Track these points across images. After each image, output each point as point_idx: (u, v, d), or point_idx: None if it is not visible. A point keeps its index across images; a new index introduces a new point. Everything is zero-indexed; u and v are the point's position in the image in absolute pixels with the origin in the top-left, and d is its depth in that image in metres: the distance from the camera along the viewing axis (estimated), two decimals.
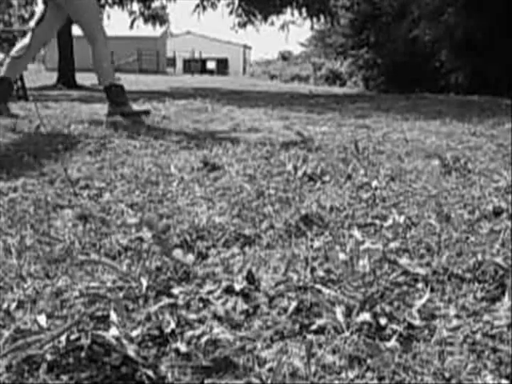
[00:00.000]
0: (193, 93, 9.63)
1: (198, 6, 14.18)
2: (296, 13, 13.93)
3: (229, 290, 1.12)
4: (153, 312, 1.01)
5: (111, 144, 2.97)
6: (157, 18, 16.27)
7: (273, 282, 1.17)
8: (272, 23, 14.66)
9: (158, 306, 1.02)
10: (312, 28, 16.35)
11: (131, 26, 15.52)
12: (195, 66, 38.40)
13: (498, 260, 1.23)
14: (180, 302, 1.07)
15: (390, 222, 1.54)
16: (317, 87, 17.33)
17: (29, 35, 4.10)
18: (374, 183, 1.99)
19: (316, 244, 1.38)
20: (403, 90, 12.08)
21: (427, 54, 13.57)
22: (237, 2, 14.06)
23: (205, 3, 14.14)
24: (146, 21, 15.52)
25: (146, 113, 4.19)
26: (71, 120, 4.09)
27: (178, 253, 1.22)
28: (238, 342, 0.93)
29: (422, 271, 1.21)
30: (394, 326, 0.98)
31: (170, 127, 3.73)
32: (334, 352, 0.90)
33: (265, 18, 14.38)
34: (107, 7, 14.20)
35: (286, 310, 1.05)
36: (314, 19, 14.02)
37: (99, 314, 1.01)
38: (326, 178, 2.12)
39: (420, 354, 0.90)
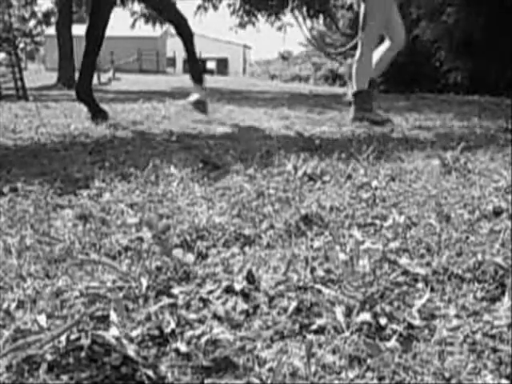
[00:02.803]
0: None
1: (199, 7, 14.19)
2: (296, 12, 13.92)
3: (229, 290, 1.12)
4: (153, 312, 1.01)
5: (111, 144, 2.97)
6: (157, 18, 16.26)
7: (273, 282, 1.16)
8: (272, 23, 14.67)
9: (158, 305, 1.02)
10: (312, 29, 16.33)
11: (133, 26, 15.52)
12: None
13: (498, 260, 1.23)
14: (180, 302, 1.07)
15: (390, 222, 1.54)
16: (317, 87, 17.32)
17: (359, 41, 4.23)
18: (374, 183, 1.99)
19: (316, 244, 1.38)
20: (403, 89, 12.06)
21: (427, 54, 13.54)
22: (238, 3, 14.07)
23: (206, 4, 14.14)
24: (147, 21, 15.51)
25: (387, 121, 4.07)
26: (71, 120, 4.09)
27: (178, 253, 1.22)
28: (238, 342, 0.93)
29: (422, 271, 1.21)
30: (394, 326, 0.98)
31: (170, 127, 3.73)
32: (334, 352, 0.90)
33: (267, 17, 14.39)
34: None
35: (286, 310, 1.05)
36: (314, 20, 14.04)
37: (99, 313, 1.01)
38: (326, 178, 2.12)
39: (420, 354, 0.90)
